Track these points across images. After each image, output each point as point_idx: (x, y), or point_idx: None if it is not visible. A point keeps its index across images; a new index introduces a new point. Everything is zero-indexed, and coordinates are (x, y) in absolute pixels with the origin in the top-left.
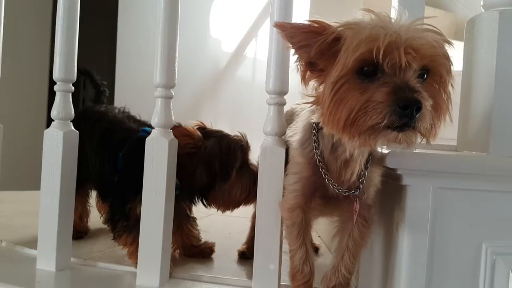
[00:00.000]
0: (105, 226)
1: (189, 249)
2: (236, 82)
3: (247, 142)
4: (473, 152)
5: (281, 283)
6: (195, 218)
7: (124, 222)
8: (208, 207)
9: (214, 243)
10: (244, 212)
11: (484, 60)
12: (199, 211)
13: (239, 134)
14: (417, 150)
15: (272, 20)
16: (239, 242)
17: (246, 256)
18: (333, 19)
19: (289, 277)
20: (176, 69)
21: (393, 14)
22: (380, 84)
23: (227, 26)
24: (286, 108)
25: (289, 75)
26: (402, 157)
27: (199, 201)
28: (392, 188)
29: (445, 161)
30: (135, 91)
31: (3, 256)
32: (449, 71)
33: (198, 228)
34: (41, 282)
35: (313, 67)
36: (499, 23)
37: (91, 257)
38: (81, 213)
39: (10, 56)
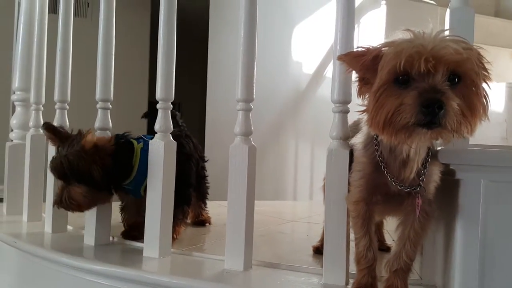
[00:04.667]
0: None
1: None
2: (317, 101)
3: None
4: None
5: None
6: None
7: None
8: None
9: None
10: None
11: None
12: (282, 218)
13: None
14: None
15: (335, 46)
16: (315, 242)
17: (320, 251)
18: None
19: (355, 261)
20: (254, 86)
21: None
22: (411, 89)
23: (308, 49)
24: (353, 119)
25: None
26: (453, 152)
27: None
28: (449, 183)
29: (492, 155)
30: (225, 114)
31: (117, 248)
32: (478, 74)
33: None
34: (147, 265)
35: (365, 82)
36: None
37: (188, 248)
38: None
39: (115, 86)
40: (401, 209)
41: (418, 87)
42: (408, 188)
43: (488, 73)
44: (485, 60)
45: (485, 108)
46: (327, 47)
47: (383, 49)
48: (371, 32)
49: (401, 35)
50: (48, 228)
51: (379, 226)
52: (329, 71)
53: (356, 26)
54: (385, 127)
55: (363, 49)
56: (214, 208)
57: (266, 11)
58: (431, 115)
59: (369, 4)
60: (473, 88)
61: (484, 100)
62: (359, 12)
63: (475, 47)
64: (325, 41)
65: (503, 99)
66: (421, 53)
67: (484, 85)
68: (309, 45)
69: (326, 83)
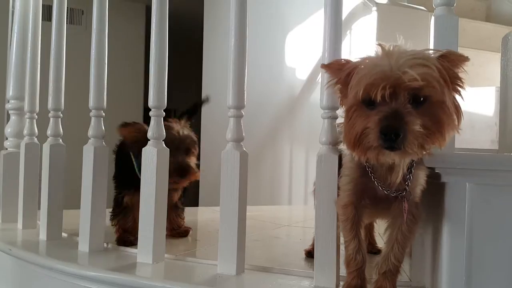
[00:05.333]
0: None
1: (169, 231)
2: (311, 107)
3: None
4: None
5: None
6: (183, 208)
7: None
8: None
9: (190, 228)
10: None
11: None
12: (277, 223)
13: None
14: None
15: (324, 54)
16: (308, 245)
17: (312, 255)
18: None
19: (344, 264)
20: (245, 92)
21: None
22: (376, 112)
23: (301, 55)
24: None
25: None
26: (438, 156)
27: None
28: (435, 186)
29: (477, 158)
30: (220, 120)
31: (111, 254)
32: (442, 92)
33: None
34: (141, 270)
35: (343, 95)
36: None
37: (181, 254)
38: None
39: (111, 93)
40: (389, 212)
41: (381, 111)
42: (394, 192)
43: (461, 82)
44: (459, 69)
45: (453, 123)
46: (320, 53)
47: (356, 66)
48: (363, 38)
49: (375, 49)
50: (43, 235)
51: (370, 229)
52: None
53: (348, 32)
54: (355, 146)
55: (343, 62)
56: (208, 213)
57: (260, 18)
58: (389, 141)
59: (360, 10)
60: (439, 105)
61: (455, 113)
62: (351, 19)
63: (455, 53)
64: (318, 47)
65: (493, 102)
66: (380, 81)
67: (457, 96)
68: (303, 51)
69: (319, 89)
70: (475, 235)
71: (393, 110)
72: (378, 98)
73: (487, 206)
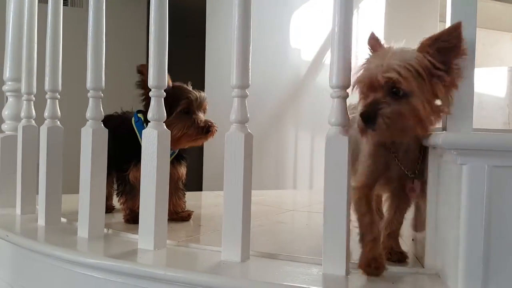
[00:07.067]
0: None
1: (172, 214)
2: (316, 88)
3: (196, 98)
4: None
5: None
6: (184, 190)
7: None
8: None
9: (193, 211)
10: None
11: None
12: (282, 207)
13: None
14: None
15: (334, 30)
16: (316, 232)
17: None
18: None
19: (359, 239)
20: (250, 71)
21: None
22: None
23: (306, 36)
24: None
25: None
26: (456, 137)
27: None
28: (452, 168)
29: (497, 139)
30: (224, 103)
31: (111, 239)
32: (409, 85)
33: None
34: (142, 257)
35: None
36: None
37: (184, 240)
38: (107, 195)
39: (110, 74)
40: (399, 190)
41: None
42: (412, 174)
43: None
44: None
45: (428, 107)
46: (325, 33)
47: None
48: (371, 17)
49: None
50: (41, 220)
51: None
52: (327, 58)
53: (355, 11)
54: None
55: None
56: (212, 198)
57: None
58: (365, 123)
59: None
60: (414, 95)
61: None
62: None
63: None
64: (324, 27)
65: (505, 83)
66: (368, 79)
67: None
68: (308, 32)
69: (325, 70)
70: (494, 221)
71: (372, 101)
72: (364, 92)
73: (507, 189)
